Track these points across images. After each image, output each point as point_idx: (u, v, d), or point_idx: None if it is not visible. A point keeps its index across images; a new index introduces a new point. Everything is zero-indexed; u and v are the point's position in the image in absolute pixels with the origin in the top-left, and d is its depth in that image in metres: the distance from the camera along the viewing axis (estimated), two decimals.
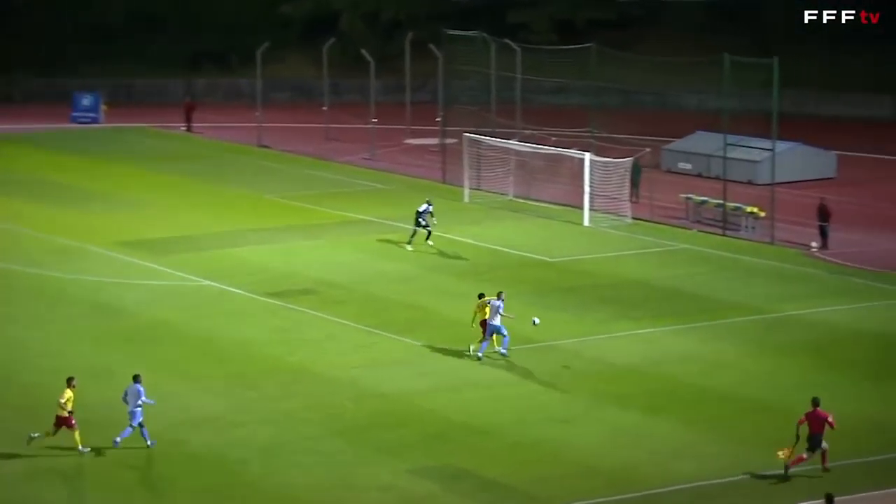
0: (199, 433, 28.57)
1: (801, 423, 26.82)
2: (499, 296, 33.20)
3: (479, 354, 32.87)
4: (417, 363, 32.97)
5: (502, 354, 32.99)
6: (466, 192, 51.52)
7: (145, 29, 79.57)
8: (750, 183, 53.75)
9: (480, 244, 44.71)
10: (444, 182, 55.05)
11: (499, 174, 52.10)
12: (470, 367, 32.63)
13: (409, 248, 43.36)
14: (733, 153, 51.04)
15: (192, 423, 28.79)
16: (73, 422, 27.16)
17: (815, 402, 27.13)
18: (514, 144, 52.24)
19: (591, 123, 52.66)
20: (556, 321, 36.23)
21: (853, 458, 27.24)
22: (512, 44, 61.27)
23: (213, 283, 40.06)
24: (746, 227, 46.51)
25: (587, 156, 48.28)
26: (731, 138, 48.95)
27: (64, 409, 27.17)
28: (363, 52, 64.98)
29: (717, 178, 52.09)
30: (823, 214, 44.72)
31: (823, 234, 44.47)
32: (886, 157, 59.58)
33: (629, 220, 47.67)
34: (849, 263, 42.24)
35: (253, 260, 42.74)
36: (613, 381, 31.79)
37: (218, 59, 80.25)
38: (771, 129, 46.17)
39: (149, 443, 27.60)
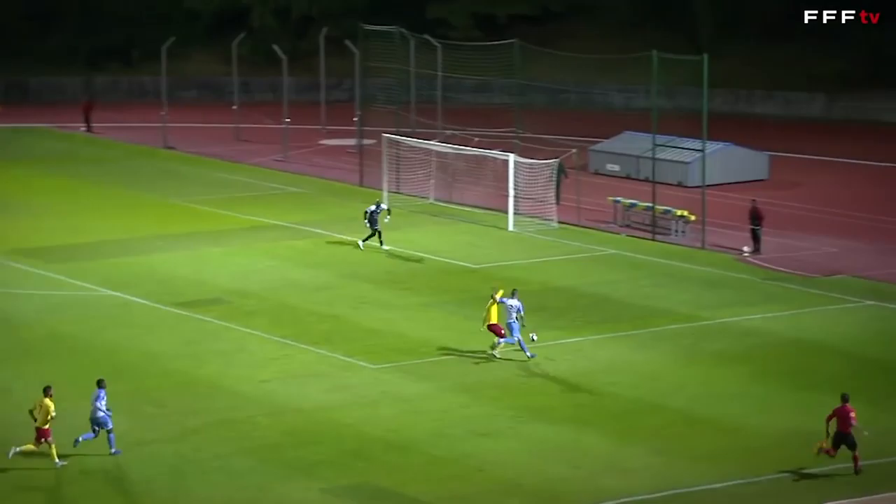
0: (103, 451, 28.28)
1: (829, 419, 27.21)
2: (513, 294, 33.68)
3: (529, 354, 33.44)
4: (334, 376, 32.93)
5: (492, 354, 33.36)
6: (385, 195, 51.53)
7: (41, 23, 78.60)
8: (680, 185, 54.31)
9: (400, 250, 44.74)
10: (361, 185, 55.02)
11: (419, 177, 52.19)
12: (389, 379, 32.65)
13: (363, 247, 44.04)
14: (663, 154, 51.53)
15: (95, 442, 28.48)
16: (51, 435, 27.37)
17: (845, 398, 27.38)
18: (434, 145, 52.34)
19: (516, 123, 52.94)
20: (478, 331, 36.35)
21: (789, 471, 27.63)
22: (432, 40, 61.41)
23: (116, 293, 39.69)
24: (677, 231, 46.99)
25: (511, 157, 48.51)
26: (661, 139, 49.44)
27: (46, 420, 27.32)
28: (275, 48, 64.77)
29: (646, 180, 52.56)
30: (755, 218, 45.35)
31: (756, 237, 45.09)
32: (819, 157, 60.58)
33: (555, 225, 47.96)
34: (782, 268, 42.86)
35: (159, 268, 42.40)
36: (538, 393, 31.95)
37: (120, 55, 79.52)
38: (701, 129, 46.70)
39: (113, 450, 28.13)
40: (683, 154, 53.87)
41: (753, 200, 46.26)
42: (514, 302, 33.67)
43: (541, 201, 48.17)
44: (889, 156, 60.26)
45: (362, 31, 55.99)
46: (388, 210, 45.62)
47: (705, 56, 45.86)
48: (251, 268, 42.59)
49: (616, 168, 57.14)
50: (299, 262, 43.36)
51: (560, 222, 48.17)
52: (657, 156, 48.76)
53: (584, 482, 27.28)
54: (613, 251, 45.20)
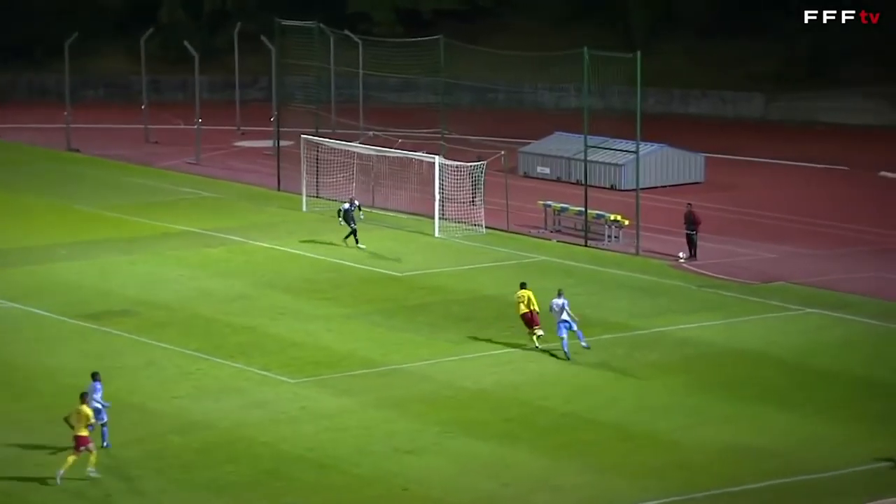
0: None
1: None
2: (559, 294, 35.02)
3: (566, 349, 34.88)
4: (250, 391, 32.71)
5: (584, 347, 34.94)
6: (304, 200, 51.36)
7: None
8: (613, 188, 54.65)
9: (320, 258, 44.59)
10: (279, 189, 54.79)
11: (340, 180, 52.06)
12: (308, 394, 32.50)
13: (347, 244, 44.83)
14: (595, 156, 51.81)
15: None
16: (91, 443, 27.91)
17: None
18: (356, 147, 52.26)
19: (441, 124, 53.00)
20: (403, 342, 36.30)
21: (727, 486, 27.83)
22: (353, 36, 61.33)
23: (15, 305, 39.16)
24: (610, 236, 47.25)
25: (437, 159, 48.56)
26: (593, 140, 49.71)
27: (82, 428, 27.69)
28: (186, 44, 64.36)
29: (577, 183, 52.81)
30: (691, 222, 45.70)
31: (691, 243, 45.45)
32: (757, 159, 61.22)
33: (483, 231, 48.05)
34: (719, 275, 43.22)
35: (63, 278, 41.91)
36: (466, 408, 31.96)
37: (20, 51, 78.53)
38: (635, 129, 47.02)
39: (104, 443, 28.89)
40: (616, 156, 54.20)
41: (689, 204, 46.64)
42: (560, 301, 34.85)
43: (468, 205, 48.21)
44: (827, 157, 61.06)
45: (279, 26, 55.77)
46: (360, 207, 45.96)
47: (638, 53, 46.20)
48: (162, 277, 42.24)
49: (546, 171, 57.36)
50: (213, 270, 43.06)
51: (488, 228, 48.25)
52: (589, 158, 49.02)
53: (514, 500, 27.31)
54: (544, 258, 45.34)
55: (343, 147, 52.18)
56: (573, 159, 55.69)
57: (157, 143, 65.01)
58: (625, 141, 52.31)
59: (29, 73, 77.88)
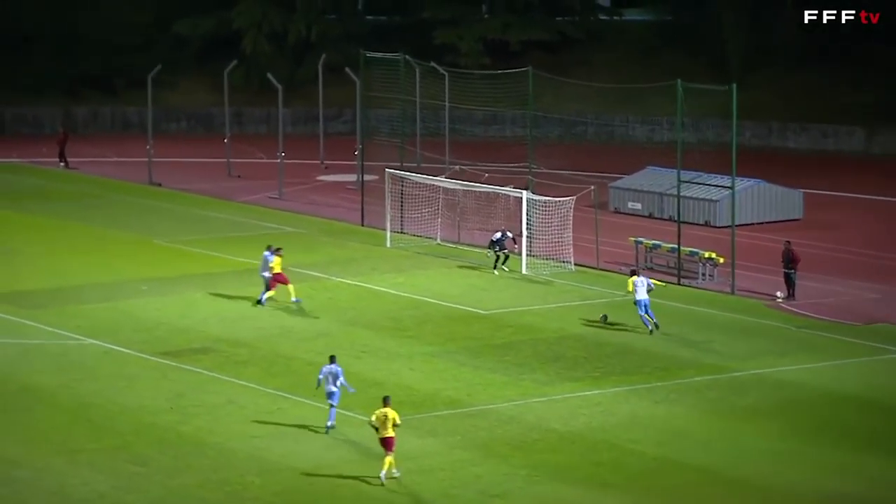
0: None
1: None
2: (635, 273, 40.92)
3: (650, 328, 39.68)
4: (332, 432, 32.85)
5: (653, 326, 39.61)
6: (388, 235, 51.60)
7: (15, 49, 78.96)
8: (707, 225, 54.36)
9: (404, 295, 44.75)
10: (362, 224, 55.12)
11: (425, 215, 52.27)
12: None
13: (496, 272, 45.83)
14: (688, 191, 51.61)
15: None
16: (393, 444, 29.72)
17: None
18: (442, 181, 52.45)
19: (529, 158, 53.07)
20: (489, 383, 36.31)
21: None
22: (439, 68, 61.64)
23: (94, 342, 39.70)
24: (704, 274, 46.99)
25: (524, 194, 48.59)
26: (686, 174, 49.53)
27: (389, 428, 29.60)
28: (269, 76, 65.09)
29: (670, 219, 52.60)
30: (789, 260, 45.32)
31: (789, 282, 45.06)
32: (858, 195, 60.60)
33: (572, 268, 47.99)
34: (818, 315, 42.79)
35: (142, 314, 42.41)
36: (554, 451, 31.88)
37: (101, 84, 79.88)
38: (730, 164, 46.78)
39: (329, 423, 32.06)
40: (711, 191, 53.94)
41: (787, 242, 46.26)
42: (643, 279, 40.24)
43: (556, 242, 48.22)
44: None
45: (364, 57, 56.23)
46: (514, 238, 46.82)
47: (734, 85, 46.00)
48: (242, 314, 42.60)
49: (638, 206, 57.20)
50: (293, 308, 43.33)
51: (577, 265, 48.18)
52: (683, 193, 48.82)
53: None
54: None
55: (428, 181, 52.39)
56: (666, 195, 55.47)
57: (239, 176, 65.70)
58: (720, 176, 52.05)
59: (110, 106, 79.17)
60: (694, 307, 43.90)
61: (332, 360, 32.97)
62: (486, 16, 79.80)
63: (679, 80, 46.87)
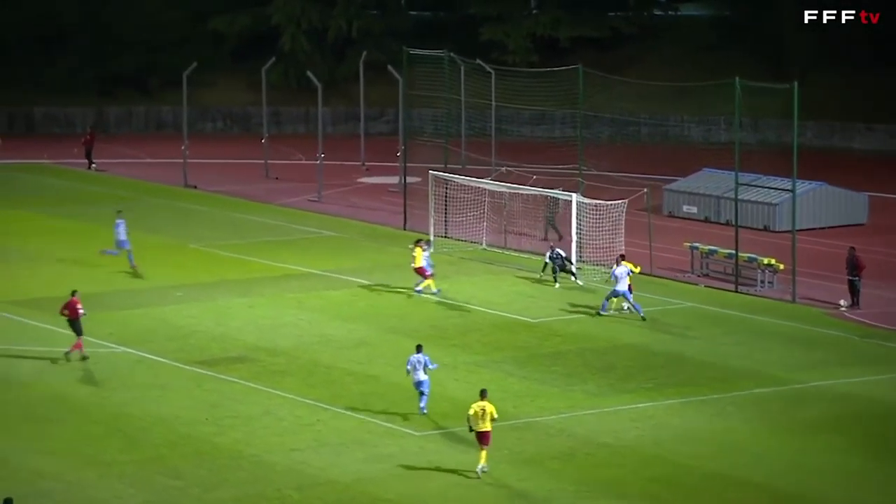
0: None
1: None
2: (618, 261, 42.77)
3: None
4: (372, 444, 32.93)
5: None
6: (432, 240, 51.64)
7: (46, 47, 79.58)
8: (767, 230, 54.14)
9: (448, 302, 44.79)
10: (405, 228, 55.20)
11: (470, 219, 52.30)
12: (435, 448, 32.62)
13: (558, 286, 45.74)
14: (747, 194, 51.42)
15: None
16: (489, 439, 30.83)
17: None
18: (487, 184, 52.47)
19: (579, 159, 53.02)
20: (537, 394, 36.29)
21: None
22: (485, 65, 61.68)
23: (127, 350, 39.93)
24: (763, 281, 46.81)
25: (574, 197, 48.55)
26: (745, 177, 49.36)
27: (486, 422, 30.62)
28: (309, 74, 65.33)
29: (727, 223, 52.42)
30: (854, 267, 45.07)
31: (854, 290, 44.81)
32: None
33: None
34: (884, 325, 42.53)
35: (176, 321, 42.63)
36: (605, 465, 31.83)
37: (135, 82, 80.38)
38: (791, 165, 46.58)
39: (422, 407, 34.14)
40: (770, 195, 53.74)
41: (851, 248, 46.01)
42: (623, 269, 42.04)
43: (608, 247, 48.17)
44: None
45: (407, 55, 56.32)
46: (568, 259, 46.80)
47: (795, 83, 45.80)
48: (280, 321, 42.76)
49: (693, 210, 57.04)
50: (335, 314, 43.48)
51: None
52: (741, 196, 48.67)
53: None
54: (690, 304, 45.04)
55: (473, 184, 52.42)
56: (723, 198, 55.30)
57: (277, 178, 65.96)
58: (780, 178, 51.84)
59: (144, 105, 79.64)
60: (752, 316, 43.72)
61: (419, 349, 34.74)
62: (534, 11, 79.77)
63: (737, 78, 46.71)
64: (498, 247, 51.41)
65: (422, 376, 34.39)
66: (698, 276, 48.40)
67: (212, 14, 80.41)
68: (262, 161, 66.84)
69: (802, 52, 73.37)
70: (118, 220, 48.48)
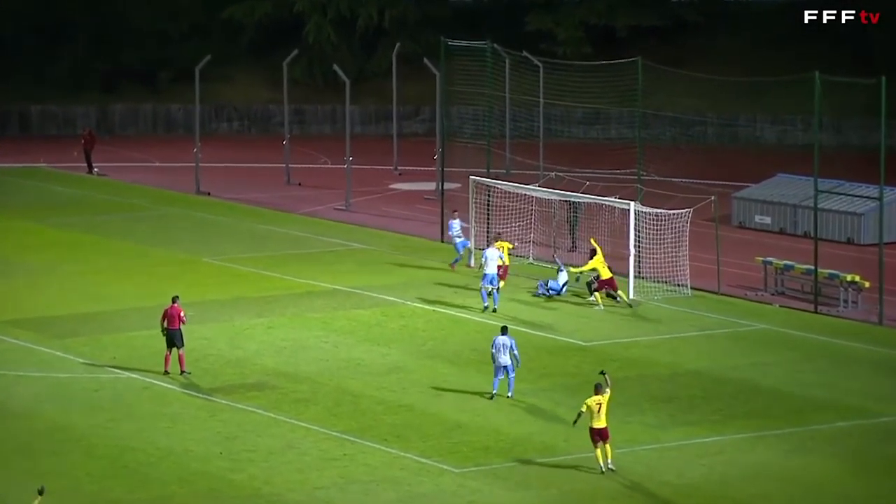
0: None
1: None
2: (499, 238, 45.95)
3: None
4: (406, 482, 32.94)
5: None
6: (472, 253, 51.68)
7: (44, 39, 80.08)
8: (850, 242, 53.93)
9: (491, 322, 44.78)
10: (442, 241, 55.26)
11: (515, 230, 52.31)
12: (476, 487, 32.61)
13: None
14: (827, 203, 51.23)
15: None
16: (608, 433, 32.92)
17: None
18: (535, 191, 52.47)
19: (638, 163, 52.95)
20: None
21: None
22: (532, 58, 61.75)
23: (133, 375, 40.08)
24: (846, 301, 46.64)
25: (632, 205, 48.52)
26: (825, 183, 49.18)
27: (601, 418, 32.80)
28: (336, 68, 65.53)
29: (805, 235, 52.23)
30: None
31: None
32: None
33: (688, 292, 47.80)
34: None
35: (188, 344, 42.71)
36: None
37: (142, 78, 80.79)
38: (878, 171, 46.40)
39: (509, 394, 37.28)
40: (854, 203, 53.53)
41: None
42: (494, 251, 44.22)
43: (670, 261, 48.10)
44: None
45: (445, 46, 56.43)
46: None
47: (883, 78, 45.62)
48: (303, 344, 42.84)
49: (767, 220, 56.90)
50: (364, 337, 43.54)
51: (694, 288, 47.99)
52: (820, 205, 48.51)
53: None
54: (764, 326, 44.91)
55: (519, 190, 52.43)
56: (800, 207, 55.12)
57: (299, 184, 66.15)
58: (865, 185, 51.65)
59: (152, 103, 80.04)
60: (833, 339, 43.56)
61: (504, 330, 37.45)
62: None
63: (817, 73, 46.56)
64: (546, 261, 51.36)
65: (506, 360, 37.06)
66: (772, 294, 48.25)
67: (228, 1, 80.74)
68: (283, 165, 67.03)
69: (891, 43, 73.08)
70: (452, 221, 50.81)
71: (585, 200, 51.16)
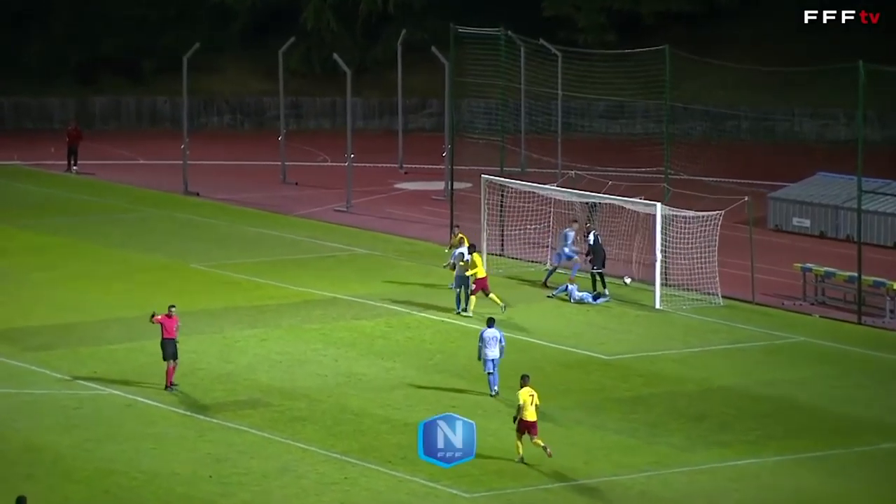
0: None
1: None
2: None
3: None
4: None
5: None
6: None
7: (16, 26, 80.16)
8: None
9: (505, 334, 44.73)
10: (451, 245, 55.20)
11: (531, 234, 52.28)
12: None
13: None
14: (872, 204, 51.17)
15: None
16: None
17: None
18: (552, 191, 52.46)
19: (665, 160, 52.92)
20: (613, 447, 36.20)
21: None
22: (550, 46, 61.71)
23: (115, 392, 40.09)
24: (892, 311, 46.60)
25: (658, 207, 48.49)
26: (869, 183, 49.12)
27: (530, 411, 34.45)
28: (336, 58, 65.55)
29: (847, 239, 52.17)
30: None
31: None
32: None
33: (720, 301, 47.77)
34: None
35: None
36: None
37: (124, 67, 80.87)
38: None
39: (495, 390, 38.94)
40: None
41: None
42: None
43: (700, 268, 48.07)
44: None
45: (455, 33, 56.42)
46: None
47: None
48: (300, 357, 42.85)
49: (805, 223, 56.86)
50: (367, 349, 43.54)
51: (726, 297, 47.97)
52: (864, 206, 48.46)
53: None
54: (802, 338, 44.89)
55: (535, 190, 52.41)
56: (842, 208, 55.07)
57: (296, 184, 66.17)
58: None
59: (135, 95, 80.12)
60: (878, 353, 43.52)
61: (491, 323, 39.13)
62: None
63: (861, 62, 46.53)
64: (565, 267, 51.32)
65: (495, 353, 38.73)
66: (812, 304, 48.21)
67: None
68: (279, 163, 67.04)
69: None
70: (568, 231, 49.70)
71: (607, 201, 51.11)
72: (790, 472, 34.90)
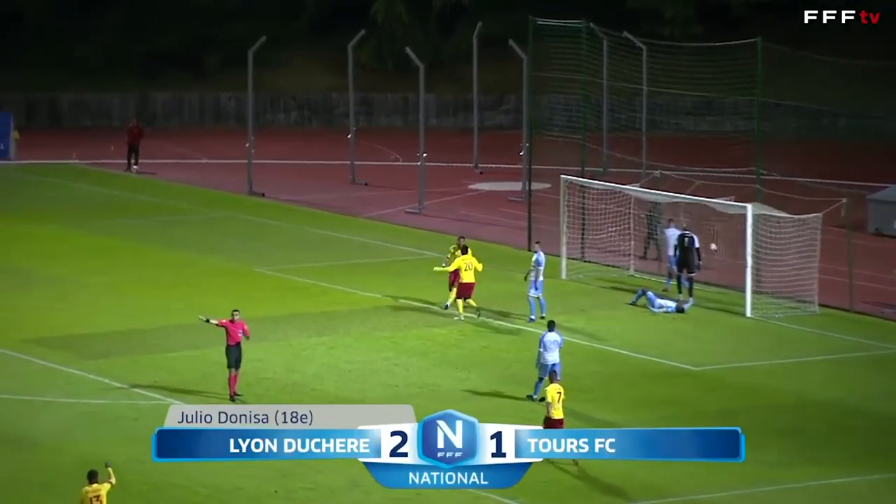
0: None
1: None
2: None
3: None
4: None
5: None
6: (563, 263, 51.56)
7: (75, 20, 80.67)
8: None
9: (584, 344, 44.69)
10: (529, 249, 55.12)
11: (613, 237, 52.13)
12: None
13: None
14: None
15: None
16: None
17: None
18: (636, 191, 52.28)
19: (756, 160, 52.66)
20: (699, 464, 35.92)
21: None
22: (634, 39, 61.53)
23: (175, 401, 40.16)
24: None
25: (750, 208, 48.25)
26: None
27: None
28: (409, 52, 65.58)
29: None
30: None
31: None
32: None
33: (816, 309, 47.50)
34: None
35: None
36: None
37: (186, 62, 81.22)
38: None
39: (534, 395, 39.14)
40: None
41: None
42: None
43: (795, 274, 47.82)
44: None
45: (534, 26, 56.35)
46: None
47: None
48: (369, 367, 42.86)
49: None
50: (440, 359, 43.51)
51: (823, 305, 47.69)
52: None
53: None
54: None
55: (618, 190, 52.24)
56: None
57: (366, 184, 66.26)
58: None
59: (198, 91, 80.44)
60: None
61: (552, 326, 39.39)
62: None
63: None
64: (649, 273, 51.13)
65: (556, 357, 38.81)
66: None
67: None
68: (348, 162, 67.14)
69: None
70: (669, 230, 49.47)
71: (695, 202, 50.87)
72: (890, 491, 34.65)
